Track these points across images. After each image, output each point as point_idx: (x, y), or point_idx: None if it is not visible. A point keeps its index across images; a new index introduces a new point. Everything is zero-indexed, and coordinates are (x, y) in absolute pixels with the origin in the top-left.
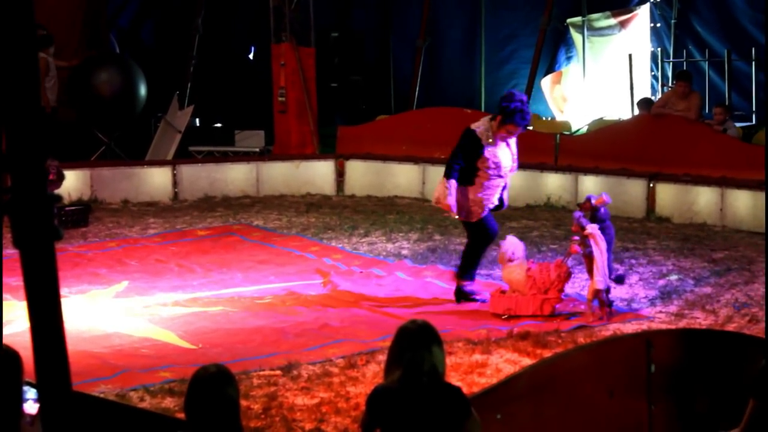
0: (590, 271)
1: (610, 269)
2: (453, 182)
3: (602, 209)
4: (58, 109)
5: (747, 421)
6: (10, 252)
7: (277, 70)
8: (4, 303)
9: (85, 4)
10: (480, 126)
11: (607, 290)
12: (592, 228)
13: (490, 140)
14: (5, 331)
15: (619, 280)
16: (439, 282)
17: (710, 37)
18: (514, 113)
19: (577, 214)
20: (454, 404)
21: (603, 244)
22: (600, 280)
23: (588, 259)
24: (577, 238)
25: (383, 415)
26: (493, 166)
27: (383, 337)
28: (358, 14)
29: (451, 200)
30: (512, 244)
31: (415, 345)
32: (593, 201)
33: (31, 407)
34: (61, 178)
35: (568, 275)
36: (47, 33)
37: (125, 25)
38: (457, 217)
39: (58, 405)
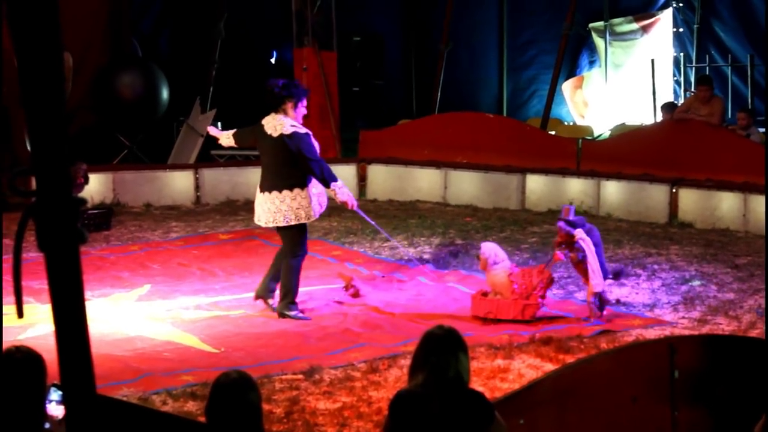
0: (585, 276)
1: (605, 270)
2: (340, 180)
3: (572, 217)
4: (75, 113)
5: None
6: (33, 255)
7: (299, 75)
8: (27, 306)
9: (108, 8)
10: (292, 126)
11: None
12: (579, 232)
13: (307, 131)
14: (28, 334)
15: (618, 275)
16: (460, 287)
17: (733, 42)
18: (300, 87)
19: (561, 223)
20: (478, 409)
21: (592, 247)
22: (597, 282)
23: (581, 265)
24: (559, 252)
25: (406, 420)
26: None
27: (405, 341)
28: (380, 18)
29: (349, 194)
30: (492, 248)
31: (441, 350)
32: (562, 214)
33: (55, 409)
34: (86, 181)
35: (551, 281)
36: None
37: (147, 29)
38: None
39: (82, 408)
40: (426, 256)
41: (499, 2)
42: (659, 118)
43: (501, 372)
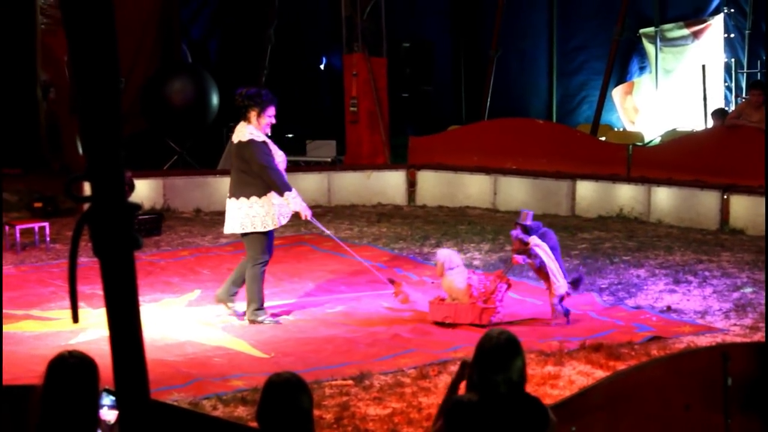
0: (547, 280)
1: (564, 273)
2: (294, 190)
3: (529, 222)
4: (126, 120)
5: None
6: (83, 260)
7: (349, 80)
8: (79, 311)
9: (158, 14)
10: (251, 134)
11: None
12: (532, 239)
13: (265, 139)
14: (80, 339)
15: (576, 283)
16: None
17: None
18: (266, 96)
19: (514, 232)
20: (534, 415)
21: (549, 251)
22: (559, 285)
23: (541, 271)
24: (518, 256)
25: (462, 427)
26: (278, 162)
27: (455, 347)
28: (430, 24)
29: (303, 204)
30: (446, 254)
31: (498, 354)
32: (520, 218)
33: (107, 414)
34: (132, 188)
35: (508, 286)
36: None
37: (198, 36)
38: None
39: (136, 413)
40: (476, 263)
41: (548, 8)
42: (710, 124)
43: (551, 378)
